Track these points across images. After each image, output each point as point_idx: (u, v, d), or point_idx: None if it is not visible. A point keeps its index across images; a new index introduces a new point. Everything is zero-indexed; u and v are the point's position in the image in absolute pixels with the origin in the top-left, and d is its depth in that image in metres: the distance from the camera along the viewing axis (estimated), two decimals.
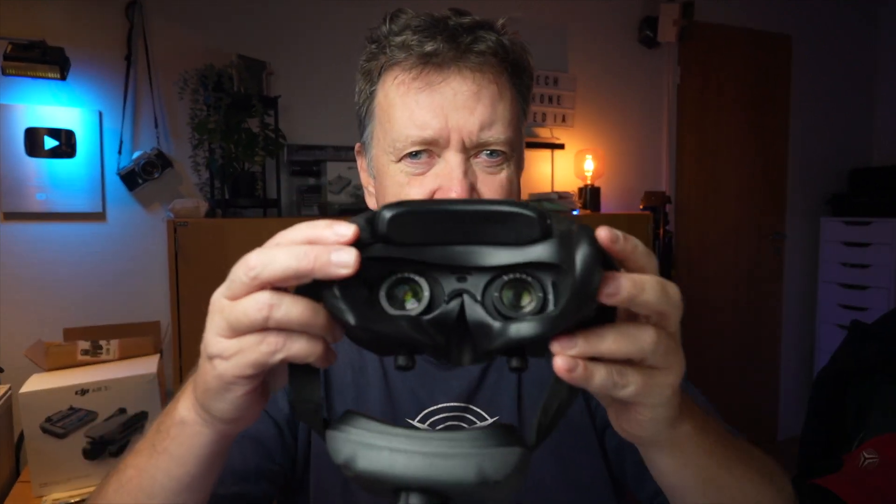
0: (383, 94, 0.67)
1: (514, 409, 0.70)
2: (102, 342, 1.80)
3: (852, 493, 1.49)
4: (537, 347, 0.35)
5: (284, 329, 0.36)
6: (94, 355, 1.77)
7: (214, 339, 0.39)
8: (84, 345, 1.77)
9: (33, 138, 2.02)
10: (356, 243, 0.34)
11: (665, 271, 2.76)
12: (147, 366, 1.75)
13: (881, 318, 2.11)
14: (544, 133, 2.91)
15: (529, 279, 0.36)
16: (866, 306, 3.34)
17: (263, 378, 0.40)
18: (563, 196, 2.68)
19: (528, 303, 0.35)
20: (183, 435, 0.45)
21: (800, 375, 3.70)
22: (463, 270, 0.36)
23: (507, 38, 0.66)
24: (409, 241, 0.36)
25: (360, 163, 0.77)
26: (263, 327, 0.36)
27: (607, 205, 2.99)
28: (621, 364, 0.35)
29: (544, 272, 0.36)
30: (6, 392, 1.72)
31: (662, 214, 2.79)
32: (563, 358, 0.33)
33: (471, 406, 0.70)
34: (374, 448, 0.34)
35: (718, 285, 3.42)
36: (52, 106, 2.06)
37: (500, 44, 0.64)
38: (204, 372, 0.41)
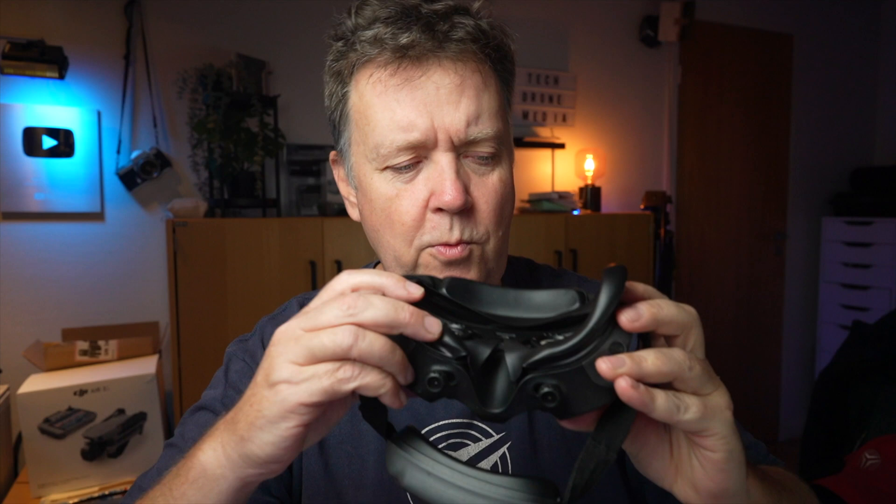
0: (357, 96, 0.62)
1: (525, 427, 0.67)
2: (101, 342, 1.80)
3: (854, 493, 1.48)
4: (569, 379, 0.37)
5: (362, 361, 0.38)
6: (93, 356, 1.77)
7: (285, 364, 0.40)
8: (83, 345, 1.77)
9: (31, 138, 2.01)
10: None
11: (666, 271, 2.75)
12: (146, 366, 1.75)
13: (883, 319, 2.11)
14: (545, 133, 2.90)
15: (560, 336, 0.40)
16: (868, 307, 3.33)
17: (315, 418, 0.41)
18: (563, 196, 2.68)
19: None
20: (205, 481, 0.45)
21: (801, 376, 3.70)
22: (504, 329, 0.41)
23: (486, 21, 0.61)
24: (459, 301, 0.41)
25: (338, 172, 0.72)
26: (342, 357, 0.39)
27: (608, 204, 2.99)
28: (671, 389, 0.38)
29: (573, 327, 0.40)
30: (4, 392, 1.71)
31: (663, 214, 2.79)
32: (625, 378, 0.36)
33: (474, 422, 0.67)
34: (419, 470, 0.39)
35: (719, 285, 3.41)
36: (50, 105, 2.05)
37: (480, 29, 0.60)
38: (258, 402, 0.42)
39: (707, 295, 3.38)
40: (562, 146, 2.90)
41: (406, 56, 0.58)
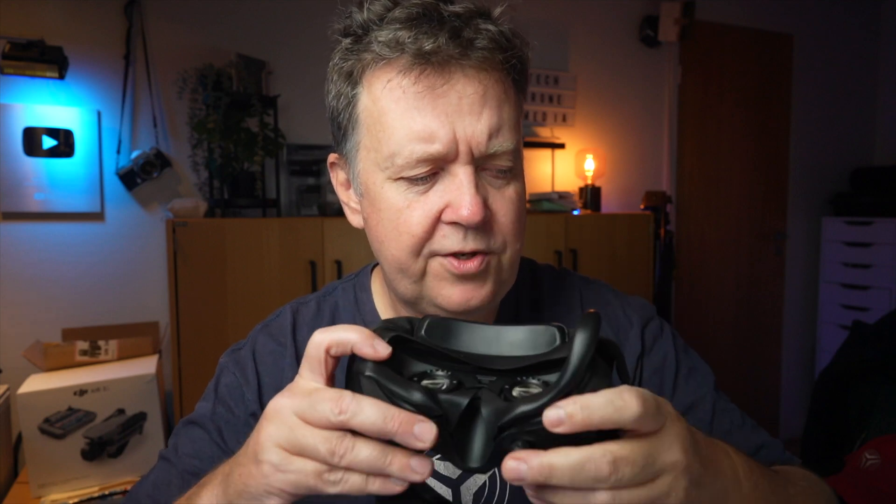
0: (371, 99, 0.58)
1: None
2: (101, 342, 1.80)
3: (854, 493, 1.48)
4: (543, 435, 0.37)
5: (348, 469, 0.39)
6: (93, 356, 1.77)
7: (273, 448, 0.41)
8: (83, 345, 1.77)
9: (31, 138, 2.01)
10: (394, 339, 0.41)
11: (666, 271, 2.75)
12: (146, 366, 1.75)
13: (883, 319, 2.11)
14: (545, 133, 2.90)
15: (534, 381, 0.40)
16: (868, 307, 3.33)
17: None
18: (563, 196, 2.68)
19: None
20: None
21: (801, 376, 3.70)
22: (484, 372, 0.41)
23: (507, 27, 0.58)
24: (442, 345, 0.42)
25: (336, 176, 0.69)
26: (330, 463, 0.39)
27: (608, 205, 2.99)
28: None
29: (555, 371, 0.40)
30: (4, 393, 1.71)
31: (663, 214, 2.78)
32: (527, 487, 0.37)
33: None
34: None
35: (719, 285, 3.41)
36: (50, 105, 2.05)
37: (505, 37, 0.57)
38: (246, 474, 0.43)
39: (707, 295, 3.38)
40: (562, 146, 2.90)
41: (429, 62, 0.54)
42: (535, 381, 0.39)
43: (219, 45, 2.25)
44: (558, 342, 0.41)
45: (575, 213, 2.63)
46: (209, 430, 0.67)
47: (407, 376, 0.41)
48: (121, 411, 1.64)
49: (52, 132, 2.03)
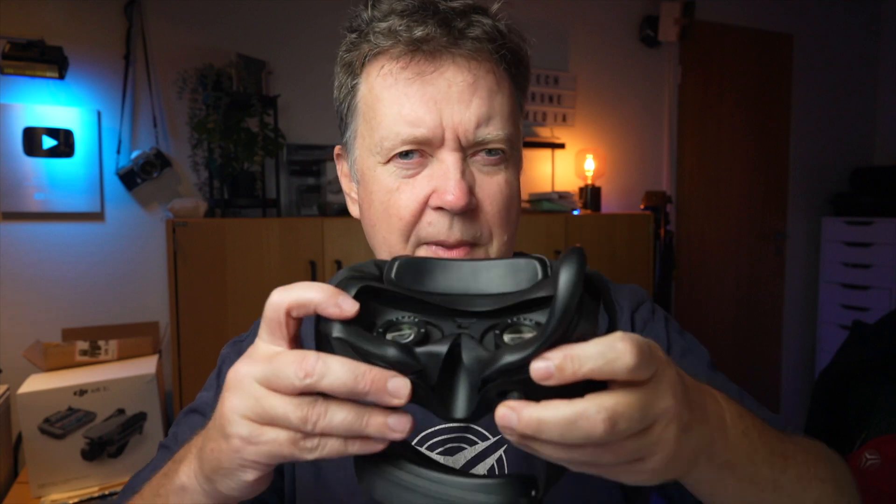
0: (367, 88, 0.61)
1: None
2: (101, 342, 1.80)
3: None
4: (531, 385, 0.34)
5: (323, 435, 0.36)
6: (93, 356, 1.77)
7: (240, 420, 0.38)
8: (83, 345, 1.77)
9: (32, 138, 2.01)
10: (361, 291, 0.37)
11: (666, 271, 2.75)
12: (146, 366, 1.75)
13: (883, 319, 2.11)
14: (545, 133, 2.90)
15: (526, 321, 0.36)
16: (868, 307, 3.33)
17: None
18: (563, 196, 2.68)
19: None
20: (186, 495, 0.46)
21: (801, 376, 3.70)
22: (463, 315, 0.37)
23: (504, 23, 0.60)
24: (414, 288, 0.38)
25: (341, 167, 0.71)
26: (302, 431, 0.36)
27: (608, 205, 2.99)
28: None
29: (543, 310, 0.36)
30: (4, 392, 1.71)
31: (663, 214, 2.79)
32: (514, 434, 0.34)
33: (472, 426, 0.65)
34: (388, 482, 0.37)
35: (719, 285, 3.41)
36: (50, 105, 2.05)
37: (497, 29, 0.59)
38: (217, 449, 0.41)
39: (707, 295, 3.38)
40: (562, 146, 2.90)
41: (420, 50, 0.57)
42: (527, 324, 0.36)
43: (219, 45, 2.25)
44: (540, 276, 0.37)
45: (575, 213, 2.63)
46: (210, 418, 0.67)
47: (378, 328, 0.37)
48: (121, 411, 1.64)
49: (52, 132, 2.03)
